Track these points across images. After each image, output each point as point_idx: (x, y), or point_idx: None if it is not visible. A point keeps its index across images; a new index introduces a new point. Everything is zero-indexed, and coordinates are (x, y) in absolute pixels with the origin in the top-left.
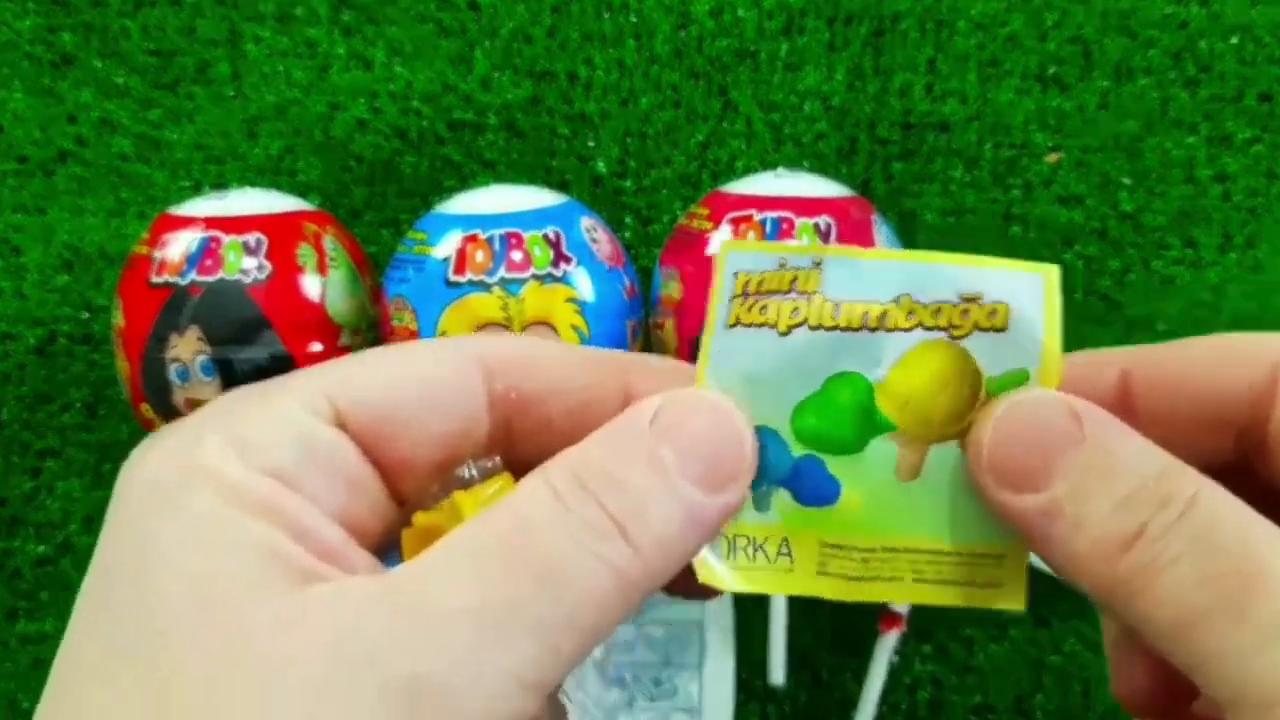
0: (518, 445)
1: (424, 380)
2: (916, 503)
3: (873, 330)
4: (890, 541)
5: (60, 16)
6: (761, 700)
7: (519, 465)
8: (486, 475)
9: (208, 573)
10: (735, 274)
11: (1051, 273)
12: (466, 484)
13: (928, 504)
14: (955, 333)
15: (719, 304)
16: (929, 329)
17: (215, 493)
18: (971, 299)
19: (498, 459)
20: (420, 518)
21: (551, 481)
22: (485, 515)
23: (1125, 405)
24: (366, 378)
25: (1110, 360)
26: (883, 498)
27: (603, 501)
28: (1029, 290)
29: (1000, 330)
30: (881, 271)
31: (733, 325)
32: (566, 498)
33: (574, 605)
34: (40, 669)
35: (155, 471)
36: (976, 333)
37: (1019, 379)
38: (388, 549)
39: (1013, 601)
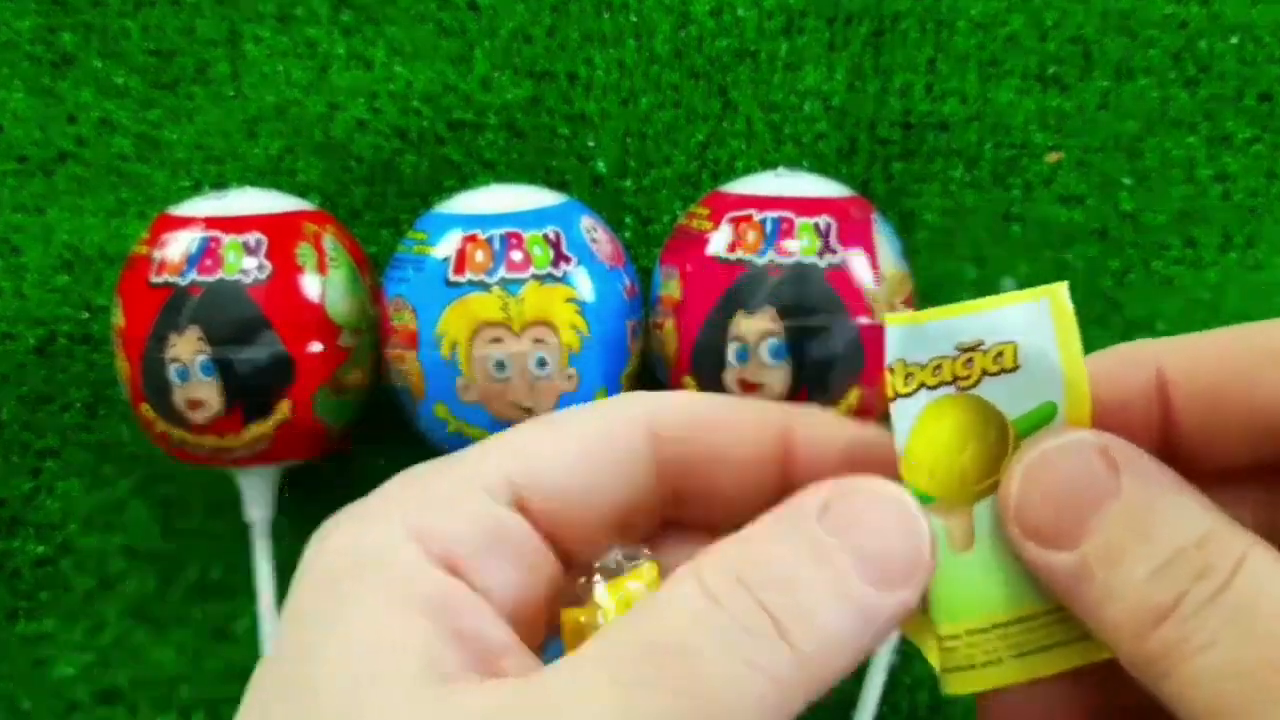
0: (687, 510)
1: (596, 455)
2: (981, 573)
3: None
4: (971, 624)
5: (60, 16)
6: None
7: (688, 531)
8: (633, 566)
9: (363, 673)
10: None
11: (1057, 292)
12: (612, 573)
13: (993, 570)
14: (963, 384)
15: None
16: (933, 388)
17: (385, 587)
18: (970, 348)
19: (645, 550)
20: (567, 615)
21: (703, 577)
22: (630, 616)
23: (1163, 407)
24: (547, 458)
25: (1144, 358)
26: (946, 578)
27: (762, 599)
28: (1033, 320)
29: (1012, 370)
30: (888, 340)
31: None
32: (721, 596)
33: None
34: (40, 669)
35: (334, 556)
36: (986, 379)
37: (1047, 414)
38: (551, 636)
39: (1105, 649)
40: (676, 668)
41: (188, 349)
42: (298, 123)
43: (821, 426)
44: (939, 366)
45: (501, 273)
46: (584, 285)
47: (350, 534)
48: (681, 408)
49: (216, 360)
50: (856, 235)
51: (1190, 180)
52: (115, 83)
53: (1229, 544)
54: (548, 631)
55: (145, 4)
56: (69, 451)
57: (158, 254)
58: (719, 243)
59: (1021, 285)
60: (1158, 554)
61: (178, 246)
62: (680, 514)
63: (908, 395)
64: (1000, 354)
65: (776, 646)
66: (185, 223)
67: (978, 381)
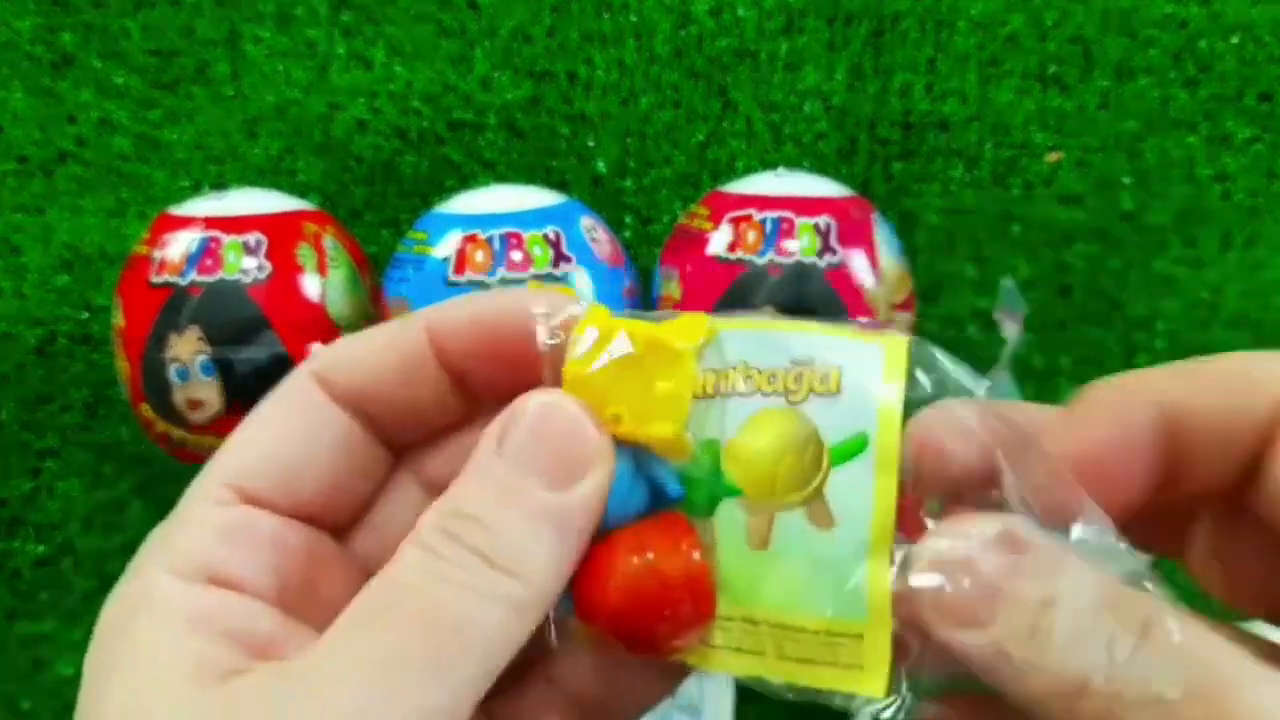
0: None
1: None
2: (769, 573)
3: (724, 396)
4: (750, 612)
5: (60, 16)
6: (762, 700)
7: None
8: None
9: (145, 691)
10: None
11: (895, 345)
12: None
13: (780, 575)
14: (792, 398)
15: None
16: (766, 394)
17: (152, 619)
18: (803, 364)
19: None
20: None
21: (421, 538)
22: (365, 590)
23: (1167, 440)
24: (254, 449)
25: (1141, 394)
26: (736, 565)
27: (469, 544)
28: (864, 356)
29: (835, 394)
30: (732, 340)
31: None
32: (437, 548)
33: (467, 642)
34: (40, 669)
35: (110, 611)
36: (813, 398)
37: (858, 445)
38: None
39: (872, 687)
40: (415, 611)
41: (188, 349)
42: (298, 123)
43: (450, 309)
44: (774, 376)
45: (501, 272)
46: (584, 285)
47: (121, 588)
48: (346, 360)
49: (216, 360)
50: (856, 235)
51: (1190, 180)
52: (115, 83)
53: (1138, 603)
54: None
55: (145, 4)
56: (69, 451)
57: (158, 254)
58: (719, 243)
59: (1022, 285)
60: (1068, 625)
61: (178, 246)
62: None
63: (745, 395)
64: (827, 376)
65: (497, 578)
66: (185, 223)
67: (805, 398)
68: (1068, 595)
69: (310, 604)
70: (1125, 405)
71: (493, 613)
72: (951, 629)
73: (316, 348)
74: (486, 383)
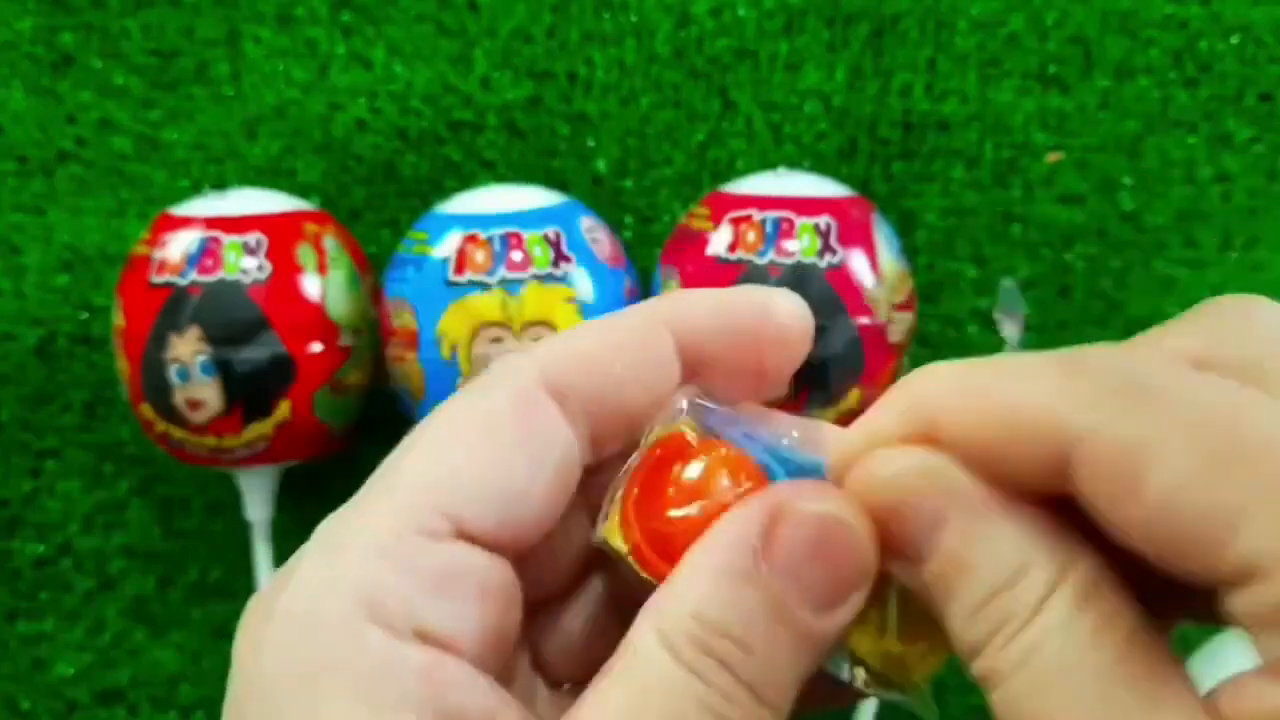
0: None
1: (508, 449)
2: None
3: None
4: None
5: (60, 16)
6: None
7: None
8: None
9: None
10: None
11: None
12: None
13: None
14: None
15: None
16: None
17: (361, 687)
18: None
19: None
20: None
21: (671, 642)
22: (605, 683)
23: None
24: (469, 470)
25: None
26: None
27: (734, 671)
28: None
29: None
30: None
31: None
32: (693, 664)
33: None
34: (40, 669)
35: (281, 663)
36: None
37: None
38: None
39: None
40: None
41: (188, 349)
42: (298, 123)
43: (686, 301)
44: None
45: (501, 273)
46: (584, 285)
47: (302, 611)
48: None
49: (216, 360)
50: (856, 235)
51: (1190, 180)
52: (115, 83)
53: (1037, 580)
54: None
55: (145, 4)
56: (69, 451)
57: (158, 254)
58: (719, 243)
59: (1022, 285)
60: (974, 593)
61: (178, 246)
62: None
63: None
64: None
65: (763, 715)
66: (185, 223)
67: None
68: (982, 557)
69: (504, 655)
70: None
71: None
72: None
73: (538, 344)
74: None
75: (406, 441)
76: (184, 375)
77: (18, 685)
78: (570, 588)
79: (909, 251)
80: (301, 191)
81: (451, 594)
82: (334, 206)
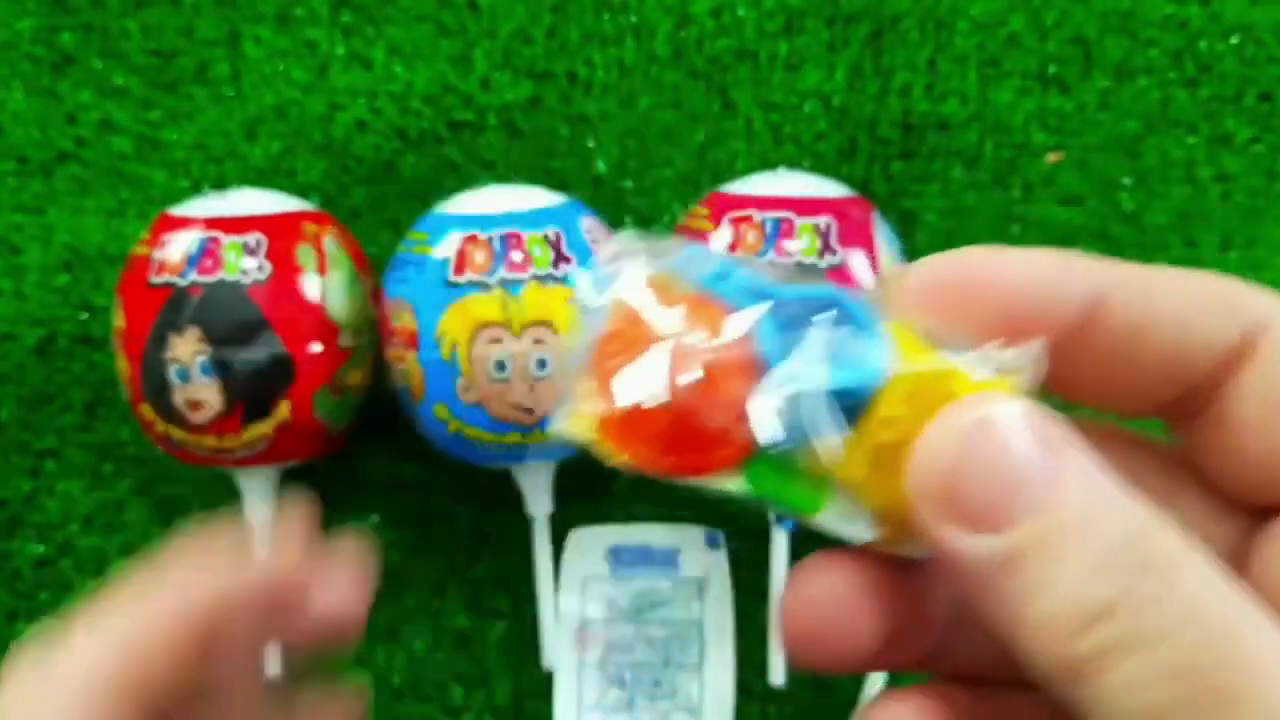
0: None
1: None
2: None
3: None
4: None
5: (60, 16)
6: (761, 700)
7: None
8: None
9: None
10: None
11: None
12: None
13: None
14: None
15: None
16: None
17: None
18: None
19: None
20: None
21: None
22: None
23: (1086, 334)
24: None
25: (1081, 276)
26: None
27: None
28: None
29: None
30: None
31: None
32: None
33: None
34: None
35: None
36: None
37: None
38: None
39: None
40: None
41: (187, 349)
42: (298, 123)
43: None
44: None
45: (501, 273)
46: (584, 285)
47: None
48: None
49: (216, 361)
50: (856, 235)
51: (1190, 180)
52: (115, 83)
53: (1166, 539)
54: None
55: (145, 4)
56: (69, 451)
57: (158, 254)
58: (719, 243)
59: None
60: (1101, 546)
61: (178, 246)
62: None
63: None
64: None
65: None
66: (185, 223)
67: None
68: (1106, 513)
69: None
70: (1056, 277)
71: None
72: (953, 530)
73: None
74: None
75: None
76: (184, 375)
77: None
78: None
79: (909, 251)
80: (301, 192)
81: None
82: (334, 207)
